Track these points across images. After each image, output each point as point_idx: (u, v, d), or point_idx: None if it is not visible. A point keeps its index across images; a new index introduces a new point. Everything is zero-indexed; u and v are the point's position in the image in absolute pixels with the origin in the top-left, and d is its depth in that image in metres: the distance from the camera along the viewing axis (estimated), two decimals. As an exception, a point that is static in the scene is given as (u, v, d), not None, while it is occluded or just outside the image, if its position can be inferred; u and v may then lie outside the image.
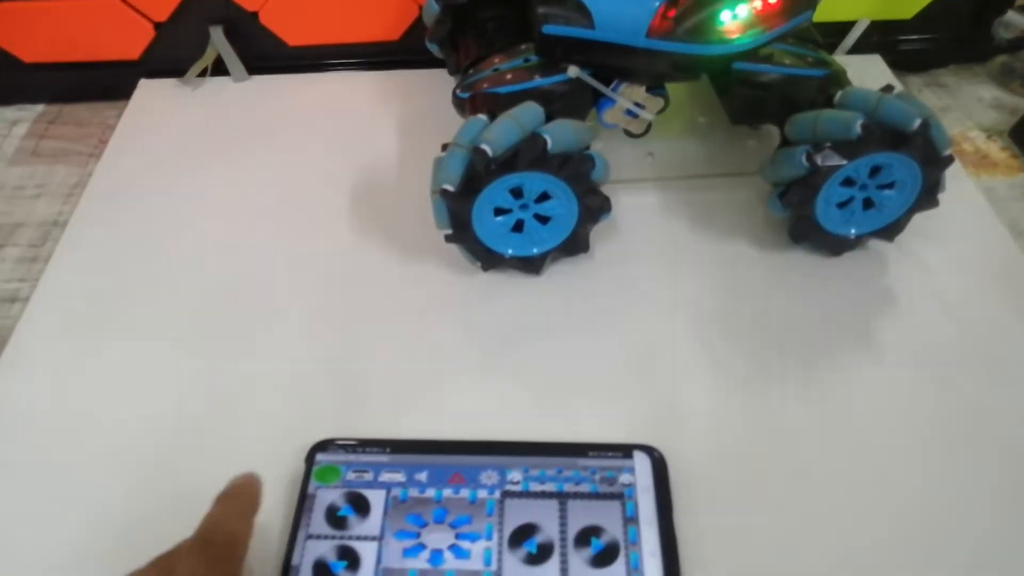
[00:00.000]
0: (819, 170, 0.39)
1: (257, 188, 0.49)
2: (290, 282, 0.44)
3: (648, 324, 0.41)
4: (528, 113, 0.38)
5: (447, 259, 0.44)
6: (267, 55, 0.57)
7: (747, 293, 0.42)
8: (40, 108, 0.57)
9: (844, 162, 0.39)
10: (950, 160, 0.40)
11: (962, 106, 0.55)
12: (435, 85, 0.54)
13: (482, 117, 0.39)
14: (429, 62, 0.55)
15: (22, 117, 0.57)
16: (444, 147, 0.40)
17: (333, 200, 0.48)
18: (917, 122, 0.38)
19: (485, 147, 0.37)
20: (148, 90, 0.57)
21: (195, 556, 0.28)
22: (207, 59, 0.56)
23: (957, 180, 0.43)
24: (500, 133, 0.37)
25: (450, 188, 0.38)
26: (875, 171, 0.40)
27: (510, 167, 0.38)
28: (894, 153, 0.39)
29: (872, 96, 0.39)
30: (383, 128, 0.53)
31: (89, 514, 0.35)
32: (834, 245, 0.43)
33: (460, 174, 0.38)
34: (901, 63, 0.57)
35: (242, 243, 0.46)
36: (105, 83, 0.57)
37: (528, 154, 0.37)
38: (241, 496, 0.31)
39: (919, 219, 0.43)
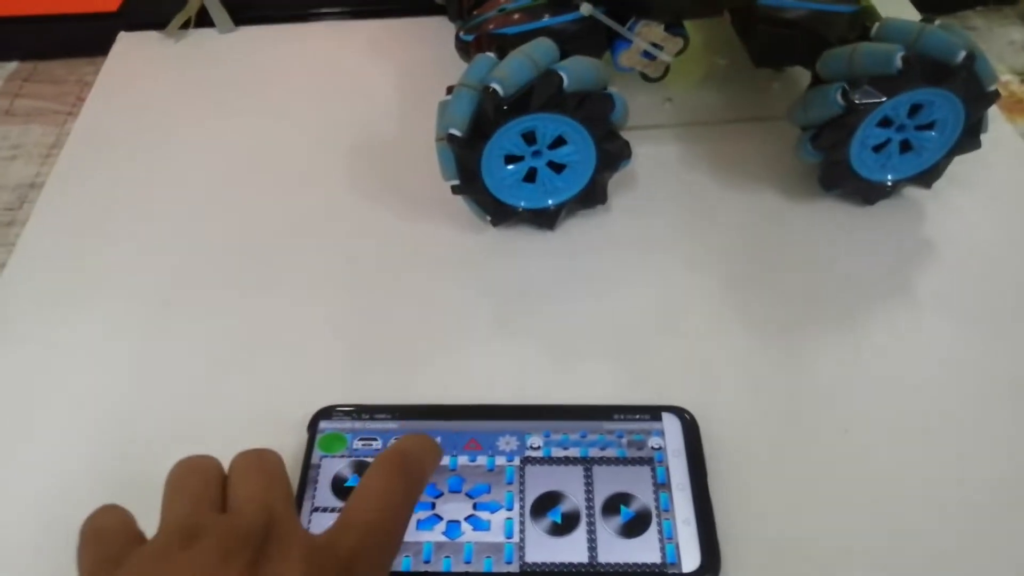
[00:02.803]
0: (855, 108, 0.36)
1: (247, 145, 0.46)
2: (285, 243, 0.41)
3: (672, 279, 0.38)
4: (541, 49, 0.35)
5: (454, 215, 0.41)
6: (254, 4, 0.54)
7: (776, 245, 0.40)
8: (13, 65, 0.54)
9: (883, 99, 0.36)
10: (996, 96, 0.37)
11: (993, 49, 0.52)
12: (434, 33, 0.51)
13: (491, 55, 0.36)
14: (427, 9, 0.51)
15: (-5, 75, 0.53)
16: (449, 90, 0.37)
17: (329, 156, 0.45)
18: (962, 54, 0.35)
19: (496, 86, 0.34)
20: (128, 44, 0.53)
21: (389, 476, 0.26)
22: (190, 9, 0.52)
23: (994, 125, 0.40)
24: (512, 71, 0.34)
25: (457, 133, 0.35)
26: (914, 110, 0.37)
27: (523, 108, 0.35)
28: (936, 88, 0.36)
29: (913, 27, 0.36)
30: (380, 79, 0.50)
31: (77, 485, 0.32)
32: (868, 192, 0.40)
33: (468, 117, 0.35)
34: (928, 4, 0.54)
35: (233, 203, 0.43)
36: (82, 37, 0.53)
37: (543, 93, 0.34)
38: (428, 441, 0.28)
39: (955, 166, 0.40)
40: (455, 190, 0.38)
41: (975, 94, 0.36)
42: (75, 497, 0.31)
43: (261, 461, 0.27)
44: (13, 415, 0.35)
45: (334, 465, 0.32)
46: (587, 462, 0.31)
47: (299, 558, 0.23)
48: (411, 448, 0.27)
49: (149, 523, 0.26)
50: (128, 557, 0.23)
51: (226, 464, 0.28)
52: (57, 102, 0.51)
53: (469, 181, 0.37)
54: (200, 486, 0.26)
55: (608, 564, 0.29)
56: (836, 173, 0.40)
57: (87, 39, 0.53)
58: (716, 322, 0.37)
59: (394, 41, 0.52)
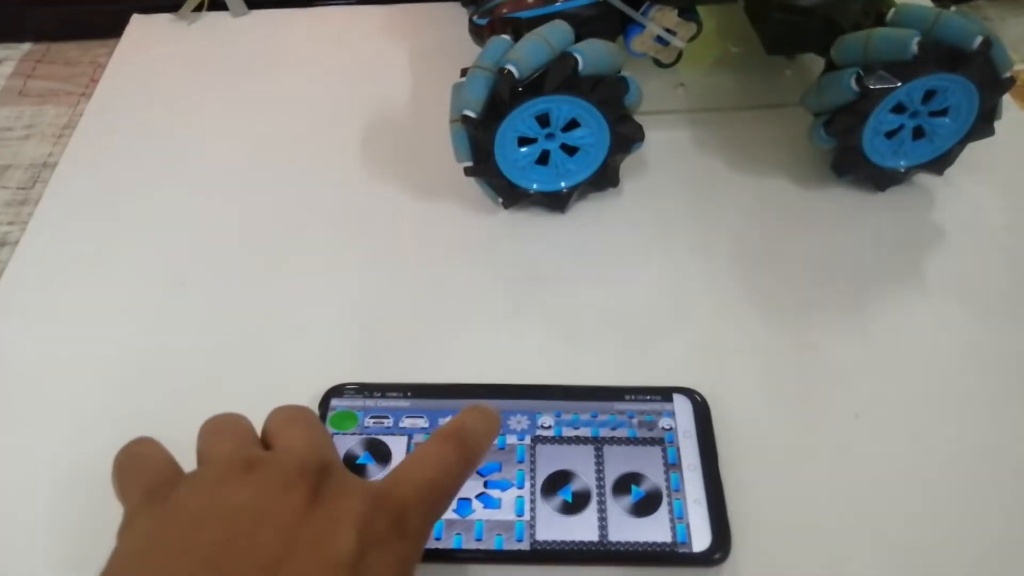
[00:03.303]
0: (869, 94, 0.36)
1: (258, 127, 0.46)
2: (298, 224, 0.41)
3: (683, 262, 0.38)
4: (557, 32, 0.35)
5: (465, 197, 0.41)
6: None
7: (788, 230, 0.40)
8: (27, 47, 0.54)
9: (897, 84, 0.36)
10: (1011, 82, 0.37)
11: (1005, 39, 0.52)
12: (447, 18, 0.51)
13: (507, 37, 0.36)
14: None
15: (8, 56, 0.53)
16: (463, 72, 0.37)
17: (341, 139, 0.45)
18: (978, 40, 0.35)
19: (511, 68, 0.34)
20: (141, 26, 0.53)
21: (451, 445, 0.26)
22: (203, -8, 0.52)
23: (1007, 112, 0.40)
24: (527, 53, 0.34)
25: (472, 114, 0.35)
26: (928, 96, 0.37)
27: (537, 90, 0.35)
28: (951, 75, 0.36)
29: (929, 13, 0.36)
30: (392, 63, 0.50)
31: (87, 463, 0.32)
32: (880, 179, 0.40)
33: (483, 98, 0.35)
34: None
35: (244, 184, 0.43)
36: (95, 19, 0.53)
37: (558, 75, 0.34)
38: (491, 415, 0.28)
39: (967, 153, 0.40)
40: (468, 172, 0.38)
41: (990, 80, 0.36)
42: (88, 475, 0.32)
43: (300, 414, 0.27)
44: (25, 393, 0.35)
45: (345, 443, 0.32)
46: (598, 442, 0.32)
47: (358, 496, 0.23)
48: (471, 423, 0.27)
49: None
50: (184, 480, 0.23)
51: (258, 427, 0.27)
52: (70, 83, 0.51)
53: (482, 163, 0.37)
54: (241, 430, 0.26)
55: (619, 543, 0.29)
56: (849, 159, 0.40)
57: (100, 21, 0.53)
58: (727, 305, 0.37)
59: (407, 25, 0.52)
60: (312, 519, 0.22)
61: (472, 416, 0.27)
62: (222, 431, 0.26)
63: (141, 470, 0.24)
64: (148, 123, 0.47)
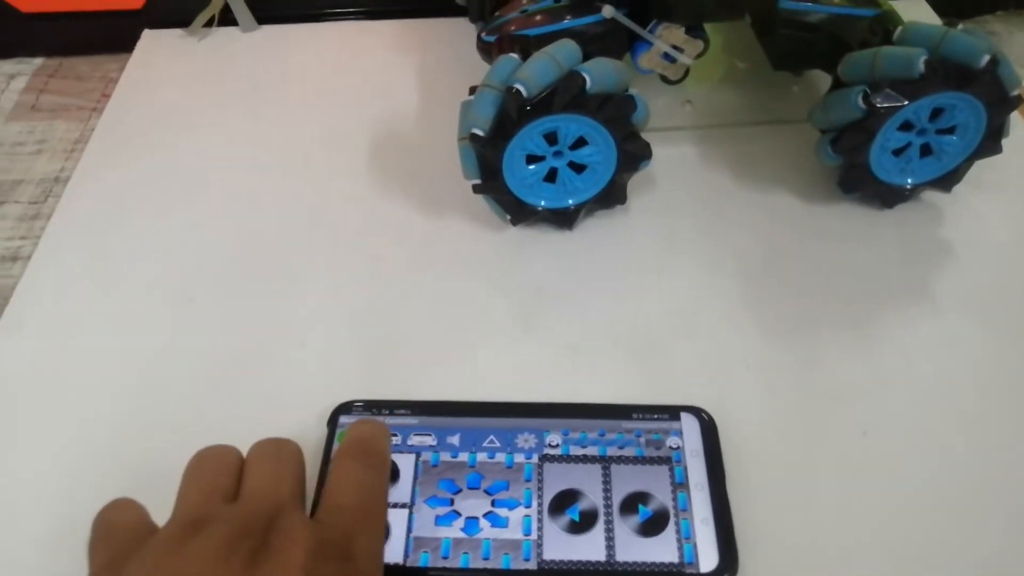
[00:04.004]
0: (876, 112, 0.36)
1: (268, 143, 0.46)
2: (306, 240, 0.41)
3: (690, 279, 0.38)
4: (565, 50, 0.35)
5: (473, 214, 0.41)
6: (277, 3, 0.54)
7: (794, 247, 0.40)
8: (39, 61, 0.54)
9: (904, 102, 0.36)
10: (1019, 101, 0.37)
11: (1012, 54, 0.51)
12: (455, 34, 0.51)
13: (515, 56, 0.36)
14: (448, 10, 0.52)
15: (20, 71, 0.54)
16: (472, 90, 0.37)
17: (350, 154, 0.45)
18: (985, 58, 0.35)
19: (519, 87, 0.34)
20: (152, 41, 0.54)
21: (357, 461, 0.28)
22: (214, 7, 0.53)
23: (1014, 130, 0.40)
24: (535, 71, 0.34)
25: (480, 133, 0.35)
26: (935, 114, 0.37)
27: (545, 109, 0.35)
28: (958, 93, 0.36)
29: (936, 31, 0.36)
30: (401, 78, 0.50)
31: (96, 477, 0.32)
32: (887, 196, 0.40)
33: (492, 117, 0.35)
34: (946, 8, 0.53)
35: (254, 200, 0.43)
36: (107, 34, 0.54)
37: (566, 94, 0.35)
38: (376, 423, 0.31)
39: (975, 170, 0.40)
40: (476, 189, 0.38)
41: (998, 99, 0.36)
42: (93, 488, 0.32)
43: (277, 450, 0.28)
44: (34, 406, 0.35)
45: (354, 460, 0.32)
46: (605, 461, 0.32)
47: (301, 548, 0.24)
48: (366, 433, 0.29)
49: (166, 514, 0.26)
50: (136, 554, 0.24)
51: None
52: (82, 98, 0.51)
53: (490, 180, 0.37)
54: (214, 475, 0.27)
55: (626, 563, 0.29)
56: (855, 176, 0.40)
57: (112, 36, 0.54)
58: (734, 323, 0.37)
59: (417, 41, 0.52)
60: None
61: (361, 427, 0.30)
62: (197, 476, 0.27)
63: (105, 541, 0.26)
64: (159, 138, 0.47)
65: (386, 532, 0.29)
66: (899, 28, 0.37)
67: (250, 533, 0.24)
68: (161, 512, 0.27)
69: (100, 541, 0.26)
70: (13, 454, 0.33)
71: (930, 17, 0.52)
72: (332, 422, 0.33)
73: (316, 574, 0.23)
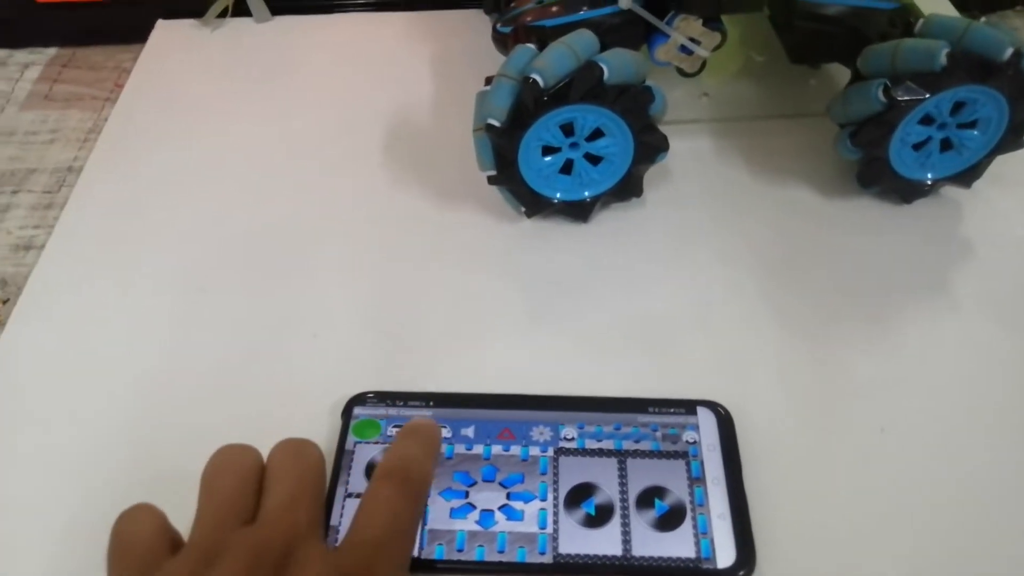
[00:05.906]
0: (896, 105, 0.36)
1: (281, 133, 0.46)
2: (320, 230, 0.41)
3: (707, 273, 0.38)
4: (582, 40, 0.35)
5: (487, 205, 0.41)
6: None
7: (812, 241, 0.39)
8: (53, 51, 0.54)
9: (925, 96, 0.35)
10: (1042, 95, 0.36)
11: (1033, 49, 0.51)
12: (470, 26, 0.51)
13: (532, 46, 0.36)
14: (461, 2, 0.51)
15: (34, 61, 0.54)
16: (488, 80, 0.37)
17: (364, 146, 0.45)
18: (1009, 51, 0.35)
19: (536, 77, 0.34)
20: (165, 32, 0.54)
21: (393, 487, 0.26)
22: (227, -2, 0.53)
23: (1035, 124, 0.40)
24: (553, 61, 0.34)
25: (496, 123, 0.35)
26: (957, 108, 0.37)
27: (562, 99, 0.35)
28: (981, 86, 0.35)
29: (959, 24, 0.36)
30: (415, 70, 0.50)
31: (108, 468, 0.32)
32: (906, 191, 0.40)
33: (508, 107, 0.35)
34: (967, 5, 0.53)
35: (267, 190, 0.43)
36: (120, 24, 0.53)
37: (583, 84, 0.34)
38: (427, 435, 0.29)
39: (995, 166, 0.39)
40: (491, 180, 0.38)
41: (1020, 93, 0.36)
42: (109, 479, 0.32)
43: (297, 458, 0.27)
44: (48, 396, 0.35)
45: (368, 451, 0.32)
46: (621, 455, 0.31)
47: None
48: (409, 452, 0.28)
49: (179, 512, 0.26)
50: None
51: (266, 451, 0.28)
52: (95, 88, 0.51)
53: (506, 171, 0.37)
54: (231, 491, 0.26)
55: (642, 558, 0.29)
56: (875, 171, 0.39)
57: (125, 26, 0.53)
58: (751, 317, 0.36)
59: (430, 32, 0.52)
60: None
61: (407, 445, 0.28)
62: (216, 489, 0.26)
63: (123, 555, 0.25)
64: (172, 128, 0.47)
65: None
66: (921, 20, 0.37)
67: (264, 565, 0.24)
68: (174, 504, 0.26)
69: (116, 557, 0.25)
70: (26, 442, 0.33)
71: (949, 11, 0.52)
72: (347, 413, 0.33)
73: None
